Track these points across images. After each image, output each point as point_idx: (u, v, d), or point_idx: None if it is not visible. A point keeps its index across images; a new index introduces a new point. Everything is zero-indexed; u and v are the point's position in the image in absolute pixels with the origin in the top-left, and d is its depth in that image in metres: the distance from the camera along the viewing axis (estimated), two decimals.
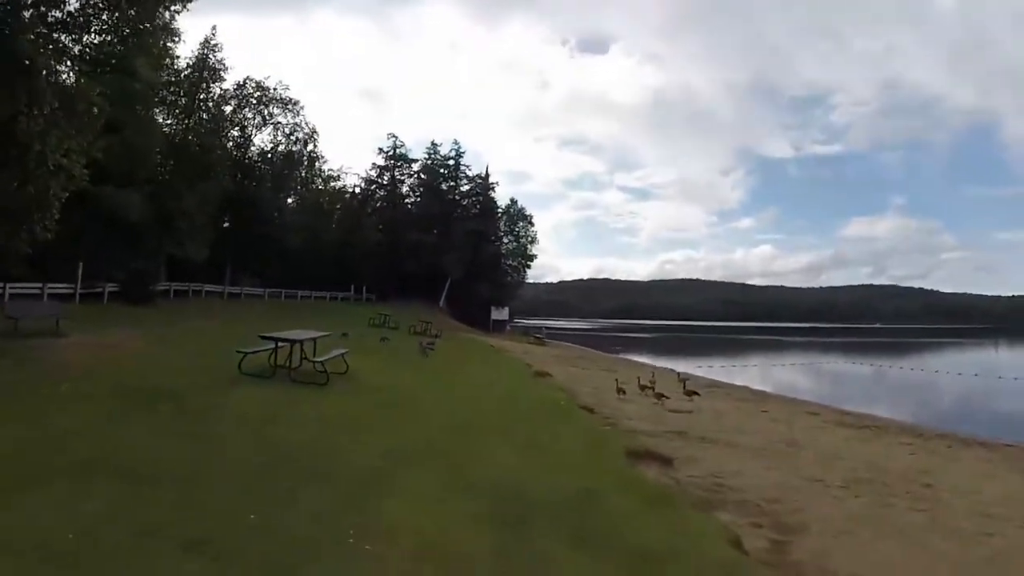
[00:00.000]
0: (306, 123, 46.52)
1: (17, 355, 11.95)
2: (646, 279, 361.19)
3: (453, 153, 65.03)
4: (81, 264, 24.26)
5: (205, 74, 36.55)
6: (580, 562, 5.12)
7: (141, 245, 28.91)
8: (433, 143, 65.49)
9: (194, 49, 36.72)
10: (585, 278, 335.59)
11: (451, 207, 62.66)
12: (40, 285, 21.94)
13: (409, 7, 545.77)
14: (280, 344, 12.79)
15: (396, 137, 62.89)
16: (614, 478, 7.82)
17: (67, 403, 8.67)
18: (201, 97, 36.81)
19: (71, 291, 23.91)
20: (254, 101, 42.94)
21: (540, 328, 68.18)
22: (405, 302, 49.23)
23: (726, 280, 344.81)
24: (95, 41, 22.43)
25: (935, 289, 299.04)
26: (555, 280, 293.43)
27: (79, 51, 21.16)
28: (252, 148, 44.41)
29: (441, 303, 57.34)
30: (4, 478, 5.55)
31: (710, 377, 29.52)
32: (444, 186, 63.88)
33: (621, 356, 44.90)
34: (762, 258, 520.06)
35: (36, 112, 14.51)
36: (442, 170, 64.17)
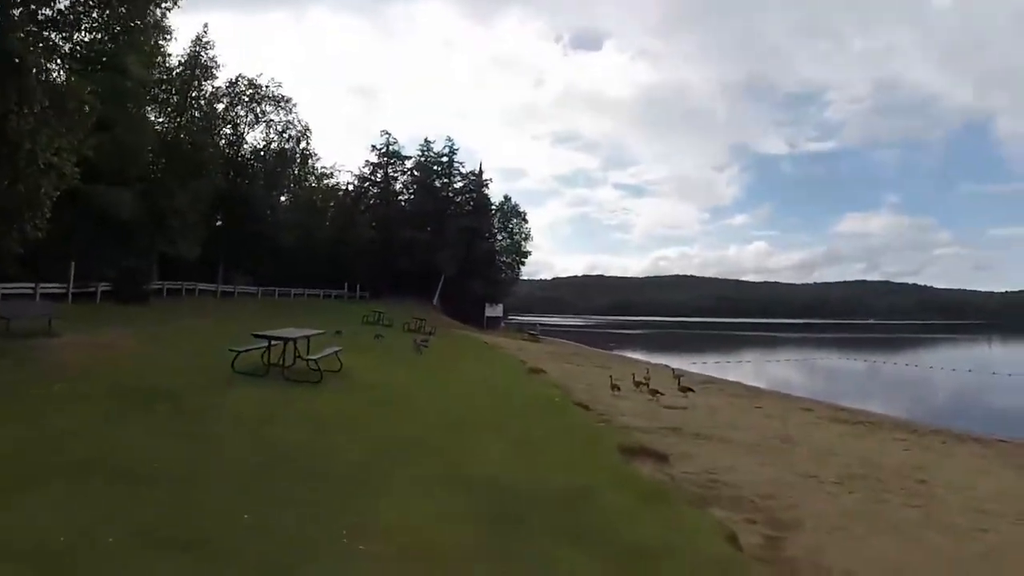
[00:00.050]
0: (299, 121, 46.45)
1: (10, 355, 11.86)
2: (640, 276, 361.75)
3: (446, 150, 64.87)
4: (73, 263, 24.15)
5: (197, 72, 36.40)
6: (576, 559, 5.10)
7: (133, 244, 28.81)
8: (426, 140, 65.34)
9: (186, 47, 36.59)
10: (579, 275, 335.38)
11: (445, 204, 62.49)
12: (32, 285, 21.82)
13: (403, 3, 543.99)
14: (273, 342, 12.76)
15: (389, 134, 62.71)
16: (609, 475, 7.81)
17: (61, 403, 8.63)
18: (193, 95, 36.72)
19: (63, 291, 23.82)
20: (246, 99, 42.75)
21: (534, 325, 68.15)
22: (399, 299, 49.11)
23: (720, 277, 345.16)
24: (86, 39, 22.41)
25: (929, 285, 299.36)
26: (549, 277, 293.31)
27: (69, 49, 21.11)
28: (245, 146, 44.34)
29: (435, 300, 57.23)
30: (0, 479, 5.52)
31: (704, 373, 29.63)
32: (438, 183, 63.68)
33: (615, 352, 44.99)
34: (756, 255, 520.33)
35: (26, 110, 14.41)
36: (435, 167, 63.95)
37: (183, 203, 31.86)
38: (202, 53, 36.45)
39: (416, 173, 63.13)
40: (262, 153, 44.99)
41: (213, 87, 38.97)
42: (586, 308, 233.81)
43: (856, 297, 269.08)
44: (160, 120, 34.96)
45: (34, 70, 15.21)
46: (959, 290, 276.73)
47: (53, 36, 18.46)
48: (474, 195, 64.32)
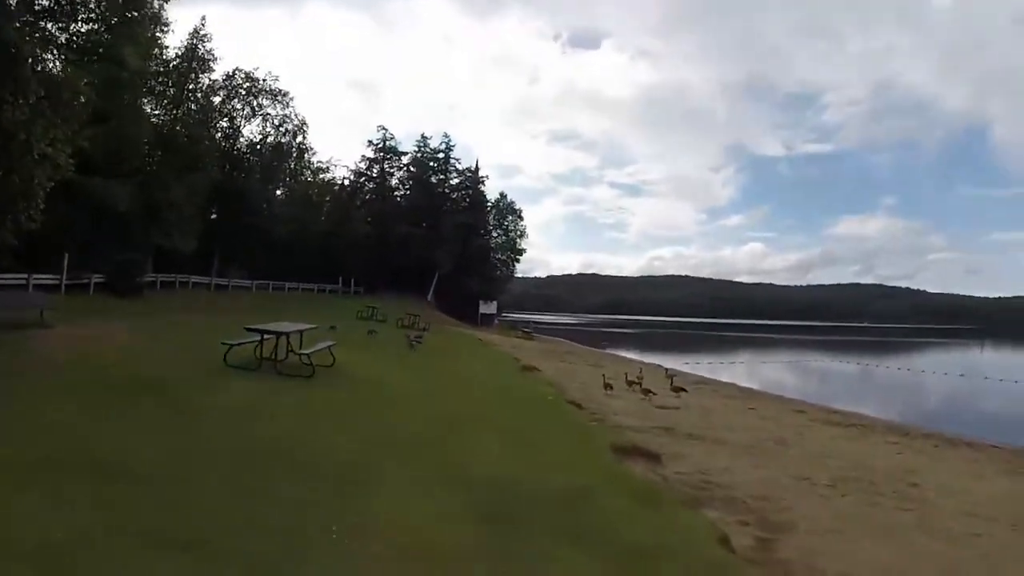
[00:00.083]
0: (295, 114, 46.22)
1: (1, 347, 11.81)
2: (635, 275, 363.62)
3: (443, 146, 65.02)
4: (67, 255, 24.01)
5: (194, 64, 36.18)
6: (569, 558, 5.09)
7: (128, 236, 28.59)
8: (423, 136, 65.48)
9: (183, 39, 36.33)
10: (574, 273, 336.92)
11: (440, 200, 62.51)
12: (25, 276, 21.69)
13: None
14: (266, 336, 12.71)
15: (386, 130, 62.78)
16: (602, 474, 7.81)
17: (50, 396, 8.55)
18: (190, 87, 36.49)
19: (57, 282, 23.65)
20: (243, 92, 42.52)
21: (528, 322, 68.27)
22: (393, 295, 49.11)
23: (714, 277, 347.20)
24: (82, 29, 22.25)
25: (922, 289, 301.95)
26: (544, 275, 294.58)
27: (66, 39, 20.99)
28: (241, 139, 44.12)
29: (429, 296, 57.26)
30: None
31: (697, 373, 29.65)
32: (434, 179, 63.75)
33: (609, 351, 44.98)
34: (751, 256, 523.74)
35: (21, 101, 14.35)
36: (432, 163, 64.02)
37: (179, 196, 31.64)
38: (199, 46, 36.24)
39: (412, 169, 63.18)
40: (258, 147, 44.80)
41: (210, 80, 38.82)
42: (580, 306, 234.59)
43: (850, 300, 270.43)
44: (156, 112, 34.69)
45: (29, 60, 15.14)
46: (952, 294, 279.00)
47: (49, 26, 18.37)
48: (470, 192, 64.42)
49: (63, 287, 23.78)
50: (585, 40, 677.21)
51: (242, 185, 41.31)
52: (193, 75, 36.43)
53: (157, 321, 19.69)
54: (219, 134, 41.28)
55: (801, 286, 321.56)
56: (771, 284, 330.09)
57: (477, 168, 65.52)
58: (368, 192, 61.73)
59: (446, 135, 73.14)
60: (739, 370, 36.92)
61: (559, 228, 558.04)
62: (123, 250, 27.45)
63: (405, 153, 63.49)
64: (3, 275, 20.52)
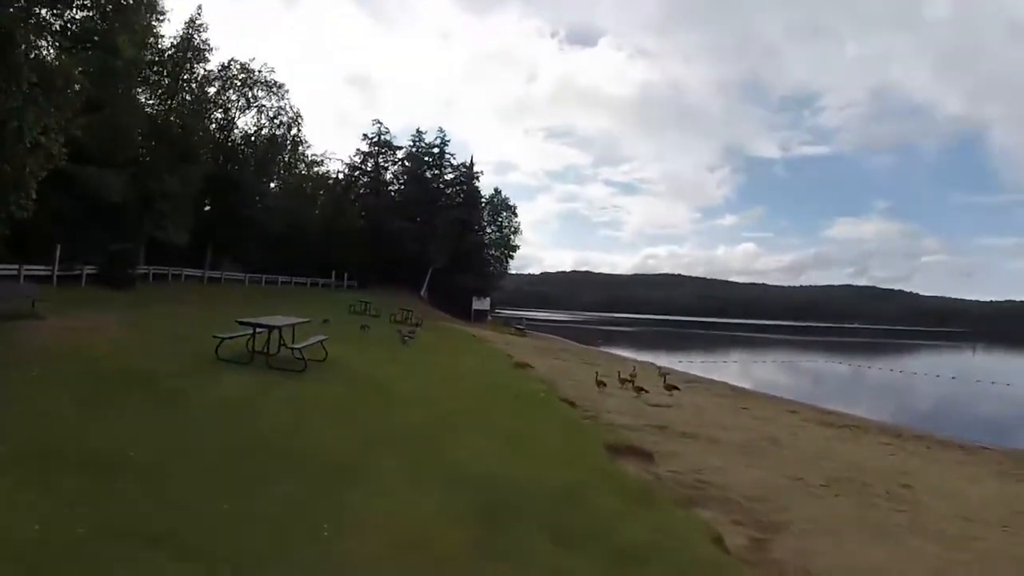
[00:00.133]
0: (290, 107, 46.23)
1: None
2: (628, 273, 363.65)
3: (438, 141, 64.79)
4: (59, 246, 23.83)
5: (189, 54, 35.94)
6: (562, 558, 5.05)
7: (121, 227, 28.43)
8: (418, 130, 65.26)
9: (179, 28, 36.19)
10: (567, 270, 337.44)
11: (435, 195, 62.38)
12: (17, 266, 21.55)
13: None
14: (258, 330, 12.64)
15: (381, 123, 62.60)
16: (595, 472, 7.76)
17: (41, 387, 8.48)
18: (185, 77, 36.29)
19: (48, 273, 23.49)
20: (238, 83, 42.45)
21: (521, 319, 68.16)
22: (387, 290, 48.98)
23: (708, 276, 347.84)
24: (76, 16, 22.05)
25: (915, 292, 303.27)
26: (537, 272, 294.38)
27: (60, 26, 20.80)
28: (235, 131, 44.05)
29: (423, 292, 57.16)
30: None
31: (690, 372, 29.67)
32: (428, 174, 63.59)
33: (602, 349, 44.97)
34: (745, 256, 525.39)
35: (14, 88, 14.21)
36: (426, 158, 63.84)
37: (172, 187, 31.42)
38: (195, 35, 36.00)
39: (407, 163, 63.04)
40: (253, 139, 44.73)
41: (205, 70, 38.60)
42: (573, 304, 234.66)
43: (843, 301, 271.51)
44: (151, 102, 34.50)
45: (23, 46, 14.99)
46: (945, 298, 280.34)
47: (43, 12, 18.19)
48: (464, 187, 64.24)
49: (55, 278, 23.64)
50: (582, 37, 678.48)
51: (236, 177, 41.16)
52: (188, 65, 36.19)
53: (149, 313, 19.58)
54: (213, 125, 41.19)
55: (794, 287, 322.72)
56: (765, 284, 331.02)
57: (472, 163, 65.36)
58: (362, 186, 61.55)
59: (441, 130, 73.12)
60: (732, 369, 36.92)
61: (553, 225, 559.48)
62: (116, 241, 27.32)
63: (400, 147, 63.46)
64: None
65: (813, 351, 60.26)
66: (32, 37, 16.22)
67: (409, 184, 62.00)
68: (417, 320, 32.56)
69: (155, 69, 34.26)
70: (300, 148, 50.48)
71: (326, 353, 13.86)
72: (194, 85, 37.43)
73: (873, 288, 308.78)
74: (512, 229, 70.77)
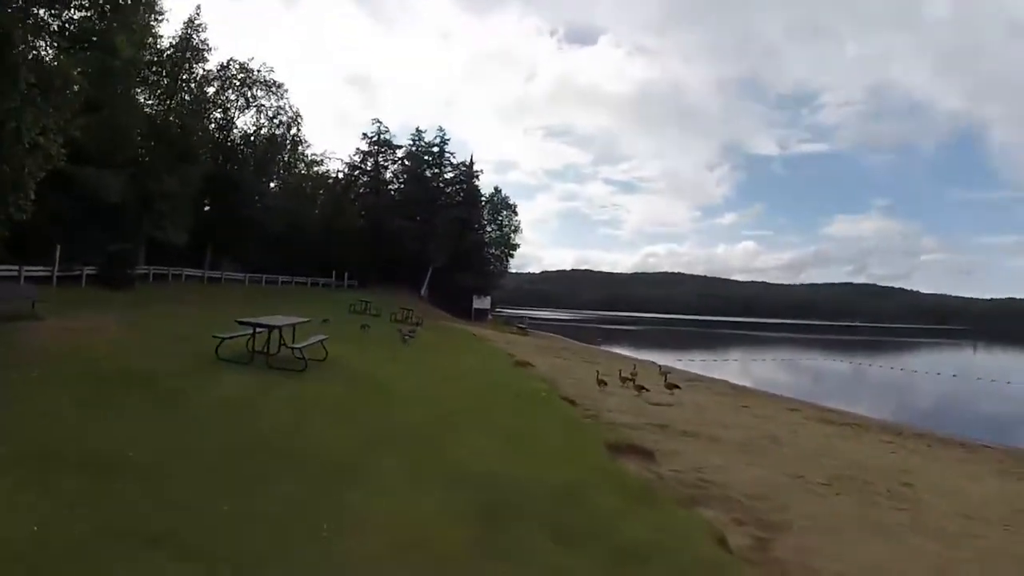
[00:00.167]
0: (290, 106, 46.22)
1: None
2: (629, 271, 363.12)
3: (438, 140, 64.69)
4: (59, 246, 23.82)
5: (188, 54, 35.95)
6: (563, 557, 5.03)
7: (121, 228, 28.43)
8: (418, 129, 65.08)
9: (177, 28, 36.21)
10: (568, 269, 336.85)
11: (435, 194, 62.31)
12: (16, 267, 21.54)
13: None
14: (258, 330, 12.63)
15: (380, 123, 62.44)
16: (596, 471, 7.73)
17: (39, 388, 8.47)
18: (183, 77, 36.30)
19: (48, 274, 23.49)
20: (237, 83, 42.41)
21: (522, 318, 68.06)
22: (387, 289, 48.92)
23: (708, 275, 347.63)
24: (75, 17, 22.01)
25: (915, 290, 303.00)
26: (537, 270, 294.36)
27: (58, 27, 20.77)
28: (235, 131, 44.03)
29: (423, 291, 57.08)
30: None
31: (691, 371, 29.64)
32: (428, 173, 63.50)
33: (602, 348, 44.94)
34: (745, 254, 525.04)
35: (11, 88, 14.18)
36: (426, 157, 63.74)
37: (172, 187, 31.42)
38: (194, 35, 36.04)
39: (407, 162, 62.95)
40: (252, 138, 44.69)
41: (204, 70, 38.60)
42: (574, 302, 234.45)
43: (843, 299, 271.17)
44: (150, 102, 34.50)
45: (21, 46, 14.96)
46: (944, 295, 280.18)
47: (41, 12, 18.15)
48: (464, 186, 64.15)
49: (55, 279, 23.64)
50: (582, 36, 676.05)
51: (236, 177, 41.16)
52: (187, 65, 36.22)
53: (149, 313, 19.56)
54: (213, 125, 41.16)
55: (794, 285, 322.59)
56: (764, 282, 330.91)
57: (471, 162, 65.26)
58: (362, 185, 61.47)
59: (441, 129, 72.95)
60: (732, 368, 36.91)
61: (553, 224, 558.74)
62: (115, 241, 27.31)
63: (400, 146, 63.34)
64: None
65: (813, 349, 60.28)
66: (30, 37, 16.22)
67: (409, 183, 61.92)
68: (417, 319, 32.53)
69: (154, 69, 34.27)
70: (300, 148, 50.49)
71: (326, 353, 13.84)
72: (193, 85, 37.43)
73: (872, 286, 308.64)
74: (512, 228, 70.76)
